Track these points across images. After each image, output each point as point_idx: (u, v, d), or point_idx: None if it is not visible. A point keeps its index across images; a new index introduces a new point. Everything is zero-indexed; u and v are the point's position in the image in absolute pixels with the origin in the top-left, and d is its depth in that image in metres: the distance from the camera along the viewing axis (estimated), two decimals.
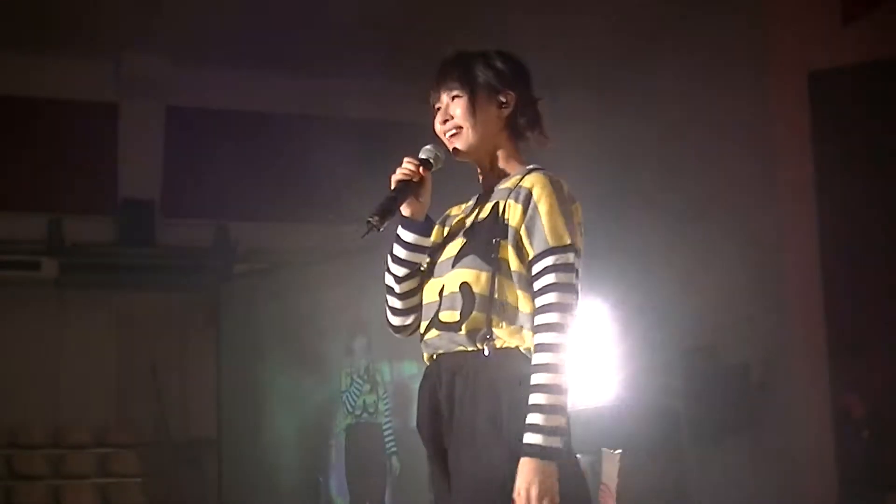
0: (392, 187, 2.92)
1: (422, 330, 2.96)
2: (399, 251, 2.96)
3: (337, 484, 10.66)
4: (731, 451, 9.62)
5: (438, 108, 3.01)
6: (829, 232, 9.92)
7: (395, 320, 3.04)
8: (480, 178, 3.05)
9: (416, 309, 2.99)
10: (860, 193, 9.73)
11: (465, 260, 2.86)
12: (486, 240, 2.86)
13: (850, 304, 9.67)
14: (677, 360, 9.96)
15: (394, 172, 2.94)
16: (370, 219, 2.83)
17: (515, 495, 2.67)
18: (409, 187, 2.92)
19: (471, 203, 3.03)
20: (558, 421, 2.70)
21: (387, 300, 3.03)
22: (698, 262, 9.44)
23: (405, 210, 2.93)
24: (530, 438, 2.69)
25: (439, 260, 2.95)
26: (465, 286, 2.84)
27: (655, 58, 10.06)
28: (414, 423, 3.00)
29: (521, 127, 3.01)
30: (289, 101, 11.70)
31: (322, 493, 10.90)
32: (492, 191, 2.96)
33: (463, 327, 2.82)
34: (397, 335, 3.08)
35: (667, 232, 9.69)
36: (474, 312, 2.81)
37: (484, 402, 2.78)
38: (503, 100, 2.98)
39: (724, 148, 9.61)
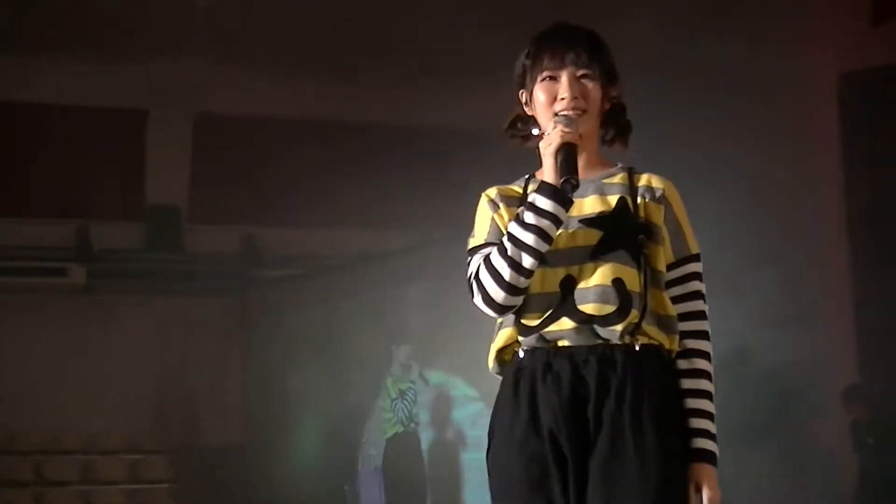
0: (556, 150, 2.72)
1: (535, 320, 2.75)
2: (544, 223, 2.70)
3: (367, 493, 10.62)
4: (763, 454, 9.57)
5: (551, 77, 2.83)
6: (859, 236, 9.85)
7: (510, 300, 2.74)
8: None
9: (526, 290, 2.76)
10: (890, 195, 9.67)
11: (614, 255, 2.74)
12: (629, 236, 2.77)
13: (879, 309, 9.59)
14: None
15: (546, 139, 2.75)
16: (570, 178, 2.68)
17: (707, 501, 2.71)
18: (574, 149, 2.74)
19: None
20: (715, 429, 2.78)
21: (503, 278, 2.73)
22: (730, 266, 9.39)
23: (554, 180, 2.72)
24: (708, 445, 2.74)
25: (551, 248, 2.73)
26: (618, 282, 2.73)
27: (685, 59, 10.02)
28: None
29: (610, 126, 2.91)
30: (315, 108, 11.70)
31: (348, 502, 10.89)
32: (587, 182, 2.80)
33: (620, 323, 2.71)
34: (498, 315, 2.80)
35: (699, 237, 9.63)
36: (632, 310, 2.71)
37: (647, 400, 2.70)
38: (614, 94, 2.89)
39: (755, 152, 9.55)
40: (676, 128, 9.75)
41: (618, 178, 2.85)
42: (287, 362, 11.21)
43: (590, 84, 2.82)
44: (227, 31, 10.38)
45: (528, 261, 2.71)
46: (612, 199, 2.81)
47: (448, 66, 10.25)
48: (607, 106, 2.88)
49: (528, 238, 2.71)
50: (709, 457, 2.73)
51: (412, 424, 9.90)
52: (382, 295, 10.44)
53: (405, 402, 9.91)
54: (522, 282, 2.72)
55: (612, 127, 2.91)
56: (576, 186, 2.69)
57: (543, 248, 2.71)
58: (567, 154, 2.71)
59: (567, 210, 2.73)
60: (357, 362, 10.53)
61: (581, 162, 2.80)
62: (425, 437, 10.08)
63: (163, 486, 11.56)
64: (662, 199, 2.82)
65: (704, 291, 2.82)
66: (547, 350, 2.74)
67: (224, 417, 11.79)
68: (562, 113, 2.79)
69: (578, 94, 2.81)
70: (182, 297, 11.89)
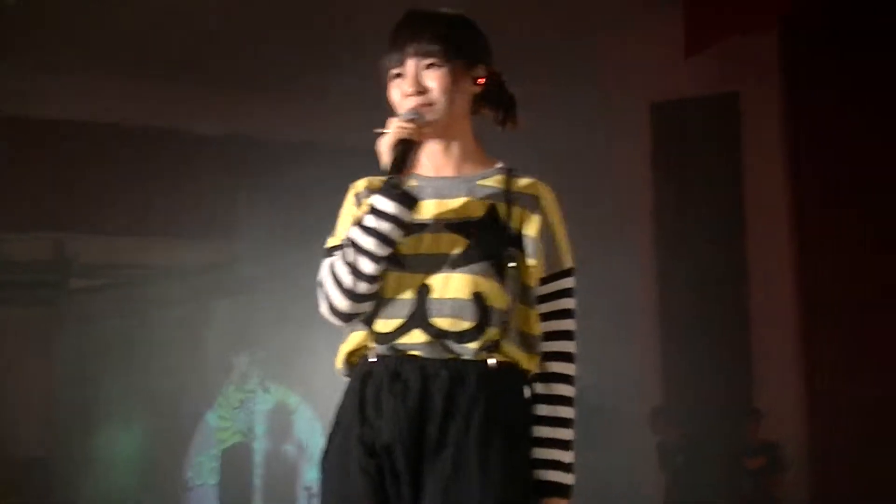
0: (391, 148, 2.54)
1: (387, 328, 2.59)
2: (384, 227, 2.51)
3: None
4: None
5: (398, 75, 2.65)
6: (668, 261, 10.13)
7: (355, 308, 2.58)
8: (432, 162, 2.73)
9: (376, 296, 2.59)
10: (698, 223, 9.98)
11: (476, 266, 2.57)
12: (496, 247, 2.60)
13: (685, 329, 9.86)
14: None
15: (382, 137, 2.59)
16: (392, 178, 2.50)
17: None
18: (412, 147, 2.55)
19: (421, 186, 2.67)
20: (573, 458, 2.63)
21: (342, 285, 2.56)
22: None
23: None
24: (560, 477, 2.60)
25: (411, 252, 2.59)
26: (478, 296, 2.55)
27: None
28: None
29: (488, 108, 2.76)
30: (130, 112, 11.49)
31: None
32: (458, 181, 2.67)
33: (476, 341, 2.55)
34: (344, 323, 2.63)
35: None
36: (490, 327, 2.56)
37: (497, 421, 2.55)
38: (478, 75, 2.70)
39: (566, 178, 9.72)
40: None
41: (493, 181, 2.68)
42: (98, 374, 10.99)
43: (436, 72, 2.62)
44: (38, 33, 10.12)
45: (368, 266, 2.54)
46: (485, 204, 2.64)
47: (267, 76, 10.19)
48: (476, 89, 2.70)
49: (368, 243, 2.54)
50: (560, 490, 2.61)
51: (251, 435, 9.87)
52: (198, 306, 10.33)
53: (246, 412, 9.86)
54: (364, 288, 2.55)
55: (495, 107, 2.75)
56: (396, 187, 2.51)
57: (385, 251, 2.53)
58: (401, 152, 2.54)
59: (411, 211, 2.55)
60: (173, 375, 10.40)
61: (454, 158, 2.68)
62: (261, 449, 10.06)
63: None
64: (538, 208, 2.66)
65: (575, 308, 2.69)
66: (396, 358, 2.58)
67: (26, 429, 11.47)
68: (408, 109, 2.61)
69: (424, 87, 2.62)
70: None
